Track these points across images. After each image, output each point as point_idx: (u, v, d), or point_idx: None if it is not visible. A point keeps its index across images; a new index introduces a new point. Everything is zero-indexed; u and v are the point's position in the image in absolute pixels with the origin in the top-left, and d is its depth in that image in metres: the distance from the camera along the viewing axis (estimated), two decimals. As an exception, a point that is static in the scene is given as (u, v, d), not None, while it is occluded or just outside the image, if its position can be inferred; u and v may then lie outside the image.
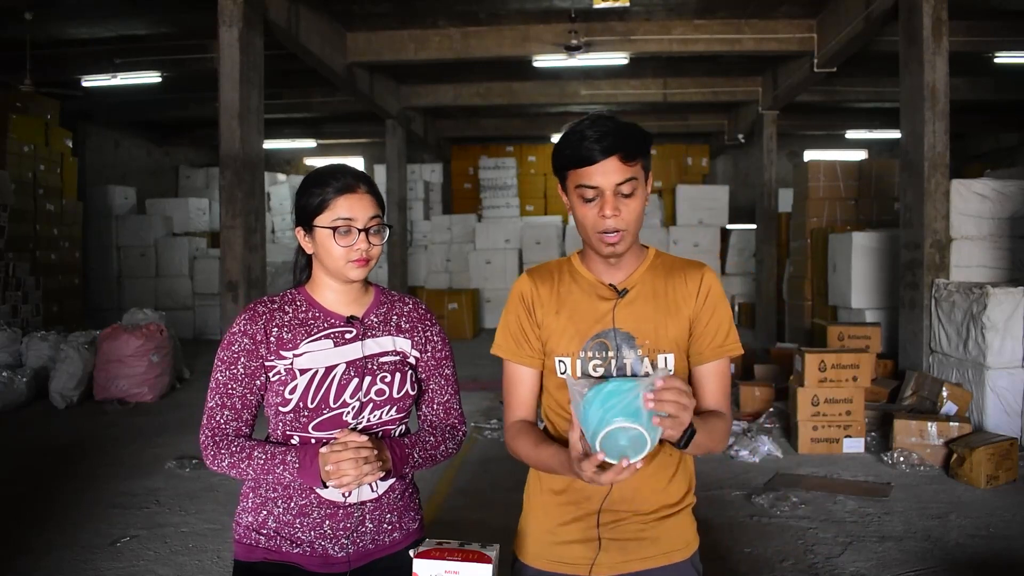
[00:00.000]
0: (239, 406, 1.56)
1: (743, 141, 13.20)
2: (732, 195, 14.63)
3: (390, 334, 1.63)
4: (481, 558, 1.35)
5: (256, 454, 1.52)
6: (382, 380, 1.57)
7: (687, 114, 13.71)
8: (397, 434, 1.62)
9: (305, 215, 1.56)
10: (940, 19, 5.94)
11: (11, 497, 4.44)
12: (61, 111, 10.24)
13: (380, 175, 13.15)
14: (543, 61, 9.14)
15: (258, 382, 1.56)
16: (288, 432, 1.55)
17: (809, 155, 15.78)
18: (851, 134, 14.87)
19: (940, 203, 6.04)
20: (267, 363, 1.55)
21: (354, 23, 8.80)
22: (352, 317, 1.61)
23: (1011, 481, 4.55)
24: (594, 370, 1.49)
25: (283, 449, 1.51)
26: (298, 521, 1.55)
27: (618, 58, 9.02)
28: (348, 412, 1.54)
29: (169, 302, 12.18)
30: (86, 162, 12.50)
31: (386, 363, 1.60)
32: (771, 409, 6.05)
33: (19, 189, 9.13)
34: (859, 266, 7.72)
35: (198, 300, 12.55)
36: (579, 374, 1.50)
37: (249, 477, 1.55)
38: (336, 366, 1.55)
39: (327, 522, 1.55)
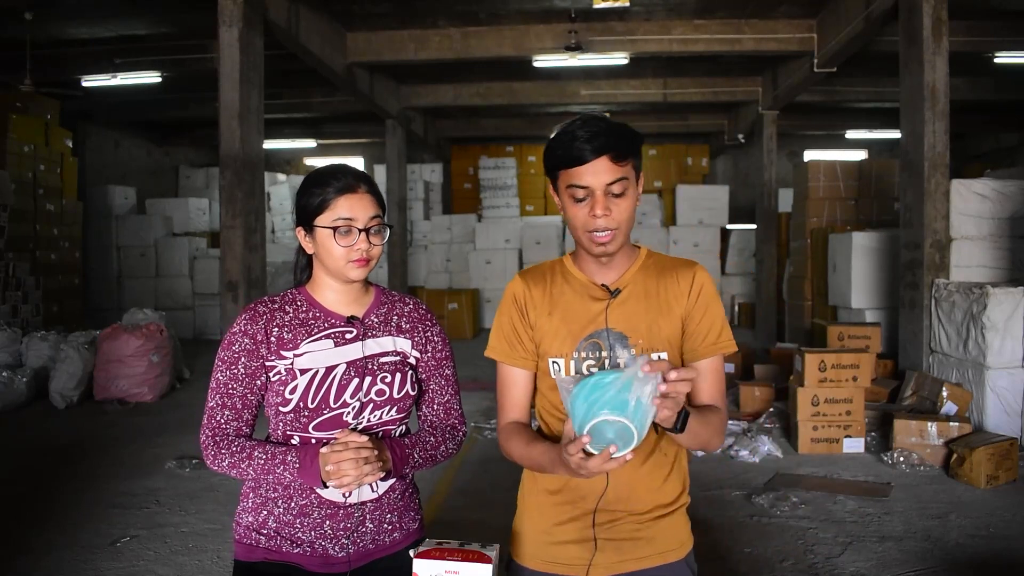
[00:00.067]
0: (239, 406, 1.56)
1: (743, 141, 13.20)
2: (732, 195, 14.63)
3: (390, 334, 1.63)
4: (481, 558, 1.35)
5: (256, 454, 1.52)
6: (382, 380, 1.57)
7: (687, 114, 13.71)
8: (397, 434, 1.62)
9: (306, 215, 1.56)
10: (940, 19, 5.94)
11: (11, 497, 4.44)
12: (61, 111, 10.25)
13: (380, 175, 13.14)
14: (543, 61, 9.14)
15: (259, 382, 1.56)
16: (288, 432, 1.55)
17: (809, 155, 15.78)
18: (851, 134, 14.87)
19: (940, 203, 6.04)
20: (267, 363, 1.55)
21: (354, 23, 8.80)
22: (352, 317, 1.61)
23: (1011, 481, 4.55)
24: (588, 371, 1.49)
25: (283, 449, 1.51)
26: (298, 521, 1.55)
27: (618, 58, 9.02)
28: (348, 412, 1.54)
29: (169, 302, 12.18)
30: (86, 162, 12.50)
31: (386, 363, 1.60)
32: (771, 409, 6.05)
33: (19, 189, 9.13)
34: (859, 266, 7.72)
35: (198, 300, 12.55)
36: (572, 375, 1.50)
37: (249, 477, 1.55)
38: (336, 366, 1.55)
39: (327, 522, 1.55)
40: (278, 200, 14.56)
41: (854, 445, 5.25)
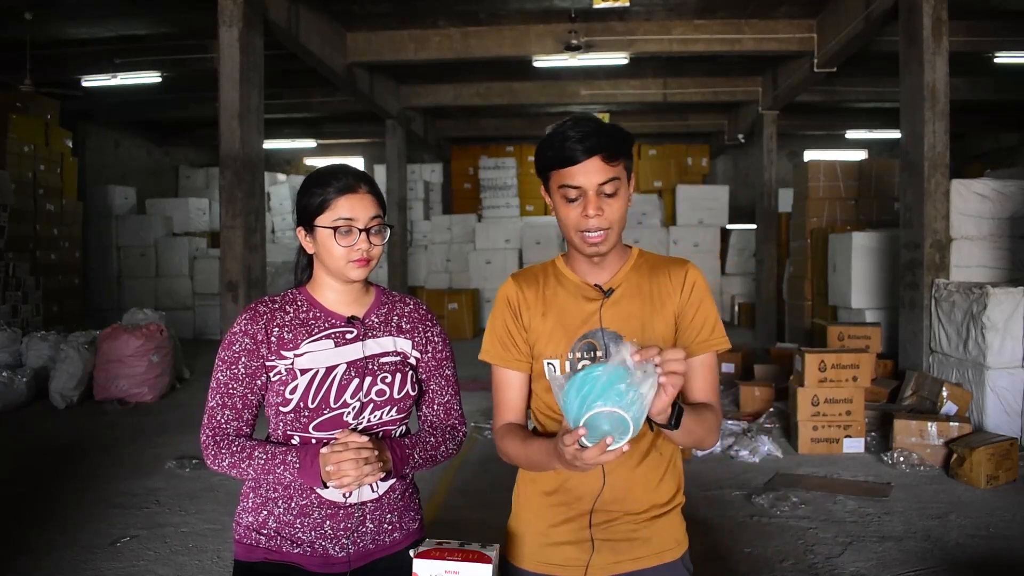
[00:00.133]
0: (240, 406, 1.56)
1: (743, 141, 13.20)
2: (732, 195, 14.64)
3: (391, 334, 1.63)
4: (481, 558, 1.35)
5: (257, 454, 1.52)
6: (383, 380, 1.57)
7: (687, 114, 13.72)
8: (397, 434, 1.62)
9: (306, 215, 1.57)
10: (940, 19, 5.94)
11: (11, 497, 4.44)
12: (61, 111, 10.25)
13: (380, 175, 13.15)
14: (543, 61, 9.14)
15: (259, 382, 1.56)
16: (288, 432, 1.55)
17: (809, 155, 15.79)
18: (851, 134, 14.88)
19: (940, 203, 6.04)
20: (268, 363, 1.55)
21: (354, 23, 8.80)
22: (353, 317, 1.61)
23: (1011, 481, 4.56)
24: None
25: (284, 449, 1.51)
26: (298, 521, 1.55)
27: (618, 58, 9.02)
28: (348, 412, 1.54)
29: (169, 302, 12.19)
30: (86, 162, 12.51)
31: (387, 363, 1.60)
32: (771, 409, 6.05)
33: (19, 189, 9.13)
34: (859, 266, 7.73)
35: (198, 300, 12.55)
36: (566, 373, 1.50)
37: (249, 477, 1.55)
38: (337, 366, 1.55)
39: (327, 522, 1.55)
40: (278, 200, 14.56)
41: (854, 445, 5.25)
